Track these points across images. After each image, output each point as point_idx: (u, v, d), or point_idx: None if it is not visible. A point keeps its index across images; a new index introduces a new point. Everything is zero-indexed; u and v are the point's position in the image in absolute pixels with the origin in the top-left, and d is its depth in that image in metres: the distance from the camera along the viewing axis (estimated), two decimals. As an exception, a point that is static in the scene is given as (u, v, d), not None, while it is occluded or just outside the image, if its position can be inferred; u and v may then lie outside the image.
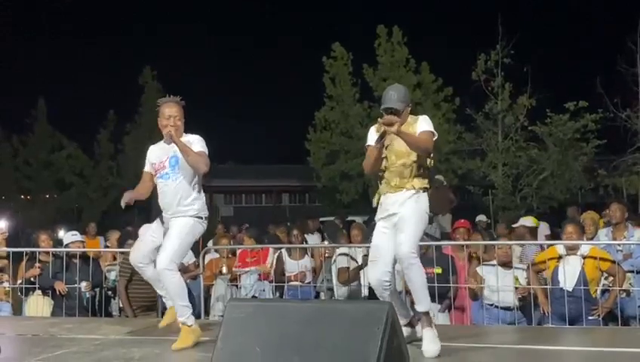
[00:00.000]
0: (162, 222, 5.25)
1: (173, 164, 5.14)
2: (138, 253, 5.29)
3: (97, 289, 7.44)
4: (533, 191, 21.40)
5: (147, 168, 5.41)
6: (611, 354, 4.55)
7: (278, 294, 7.93)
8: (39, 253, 7.45)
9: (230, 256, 8.53)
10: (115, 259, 8.13)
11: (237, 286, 8.22)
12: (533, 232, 8.57)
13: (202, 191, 5.28)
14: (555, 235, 9.00)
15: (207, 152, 5.19)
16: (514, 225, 8.89)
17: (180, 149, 5.05)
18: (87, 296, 7.19)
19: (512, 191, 21.66)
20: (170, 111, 5.16)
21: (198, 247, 7.26)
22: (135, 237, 7.43)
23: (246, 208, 38.92)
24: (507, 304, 6.55)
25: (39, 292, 7.34)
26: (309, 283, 8.04)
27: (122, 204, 5.25)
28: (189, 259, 7.60)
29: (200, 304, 7.40)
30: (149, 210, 5.65)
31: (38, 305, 7.33)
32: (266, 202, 40.35)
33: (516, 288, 6.54)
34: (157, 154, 5.30)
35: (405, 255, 4.47)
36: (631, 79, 20.31)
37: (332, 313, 3.03)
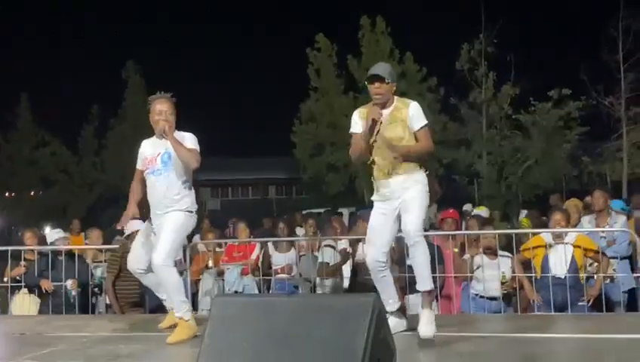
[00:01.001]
0: (151, 223, 5.24)
1: (165, 160, 5.14)
2: (135, 259, 5.31)
3: (84, 287, 7.40)
4: (518, 180, 21.55)
5: (139, 165, 5.37)
6: (598, 341, 4.59)
7: (265, 287, 7.95)
8: (25, 251, 7.40)
9: (217, 249, 8.53)
10: (98, 255, 8.08)
11: (224, 280, 8.22)
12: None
13: (192, 187, 5.29)
14: (541, 223, 9.04)
15: (198, 149, 5.20)
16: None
17: (172, 145, 5.05)
18: (74, 293, 7.16)
19: (497, 179, 21.80)
20: (161, 107, 5.17)
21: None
22: (121, 233, 7.41)
23: (233, 201, 38.90)
24: (493, 294, 6.59)
25: (25, 290, 7.29)
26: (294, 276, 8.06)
27: (122, 226, 5.35)
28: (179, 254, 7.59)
29: (188, 298, 7.39)
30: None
31: (24, 303, 7.28)
32: (252, 195, 40.32)
33: (503, 283, 6.57)
34: (149, 149, 5.28)
35: (413, 233, 4.54)
36: (614, 66, 20.45)
37: (319, 307, 3.04)
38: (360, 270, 6.91)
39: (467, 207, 13.11)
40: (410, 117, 4.67)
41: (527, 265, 6.45)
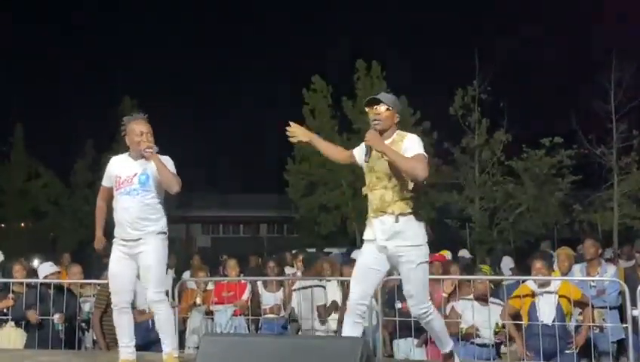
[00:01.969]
0: (122, 246, 5.10)
1: (143, 181, 5.09)
2: (119, 291, 5.19)
3: (71, 321, 7.33)
4: (509, 226, 21.57)
5: (107, 183, 5.30)
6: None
7: (253, 327, 7.87)
8: (12, 283, 7.35)
9: (206, 289, 8.45)
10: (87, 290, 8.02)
11: (212, 319, 8.14)
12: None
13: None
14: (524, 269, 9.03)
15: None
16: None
17: (157, 167, 5.02)
18: (61, 327, 7.09)
19: (489, 225, 21.82)
20: (141, 128, 5.15)
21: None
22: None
23: (224, 239, 38.72)
24: (483, 341, 6.55)
25: (12, 323, 7.22)
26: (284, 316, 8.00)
27: (98, 247, 5.25)
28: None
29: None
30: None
31: (10, 336, 7.20)
32: (244, 233, 40.18)
33: (496, 332, 6.54)
34: (123, 168, 5.20)
35: (419, 313, 4.47)
36: (605, 116, 20.66)
37: (307, 348, 3.03)
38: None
39: (463, 253, 13.07)
40: (404, 149, 4.42)
41: (515, 316, 6.43)
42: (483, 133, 21.72)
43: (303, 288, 7.54)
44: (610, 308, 6.73)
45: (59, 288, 7.29)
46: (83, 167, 30.21)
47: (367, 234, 4.62)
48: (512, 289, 6.85)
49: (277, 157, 26.93)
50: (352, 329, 4.49)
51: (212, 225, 40.41)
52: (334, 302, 7.47)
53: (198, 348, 3.31)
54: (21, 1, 54.02)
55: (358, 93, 24.86)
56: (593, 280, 6.97)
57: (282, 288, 8.08)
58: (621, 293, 6.69)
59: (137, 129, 5.15)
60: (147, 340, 6.43)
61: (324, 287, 7.59)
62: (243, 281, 8.14)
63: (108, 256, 5.28)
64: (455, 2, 48.49)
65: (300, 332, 7.56)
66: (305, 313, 7.42)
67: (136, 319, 6.08)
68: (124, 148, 5.44)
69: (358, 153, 4.75)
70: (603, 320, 6.61)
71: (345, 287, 7.36)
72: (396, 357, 6.86)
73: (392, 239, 4.43)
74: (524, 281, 6.61)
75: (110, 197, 5.24)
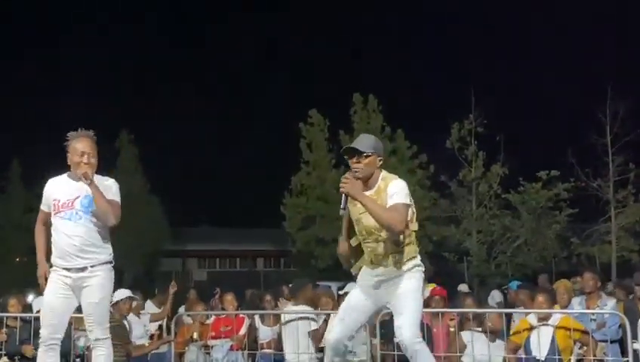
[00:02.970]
0: (64, 277, 4.72)
1: (86, 205, 4.70)
2: (53, 326, 4.75)
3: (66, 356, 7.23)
4: (507, 259, 21.51)
5: (46, 208, 4.91)
6: None
7: (250, 361, 7.79)
8: (6, 318, 7.27)
9: (203, 323, 8.38)
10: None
11: (209, 353, 8.05)
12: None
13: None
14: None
15: (119, 202, 4.81)
16: None
17: (93, 193, 4.62)
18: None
19: (486, 258, 21.76)
20: (83, 147, 4.73)
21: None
22: None
23: (220, 273, 38.47)
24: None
25: (6, 358, 7.13)
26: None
27: (42, 275, 4.84)
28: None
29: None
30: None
31: (3, 371, 7.12)
32: (240, 267, 39.96)
33: None
34: (62, 190, 4.81)
35: (409, 341, 4.07)
36: (601, 149, 20.73)
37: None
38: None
39: (462, 287, 13.05)
40: (388, 197, 4.17)
41: (516, 351, 6.37)
42: (480, 166, 21.76)
43: (288, 322, 7.36)
44: (611, 342, 6.66)
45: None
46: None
47: (359, 279, 4.49)
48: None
49: (274, 190, 26.92)
50: None
51: (208, 260, 40.18)
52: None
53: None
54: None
55: (354, 127, 24.94)
56: (593, 313, 6.92)
57: (279, 322, 7.99)
58: (621, 326, 6.64)
59: (79, 148, 4.71)
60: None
61: (310, 319, 7.38)
62: (241, 315, 8.07)
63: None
64: (452, 35, 49.02)
65: None
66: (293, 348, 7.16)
67: (132, 354, 6.01)
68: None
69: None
70: (604, 353, 6.54)
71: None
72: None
73: (384, 284, 4.32)
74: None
75: (48, 223, 4.88)
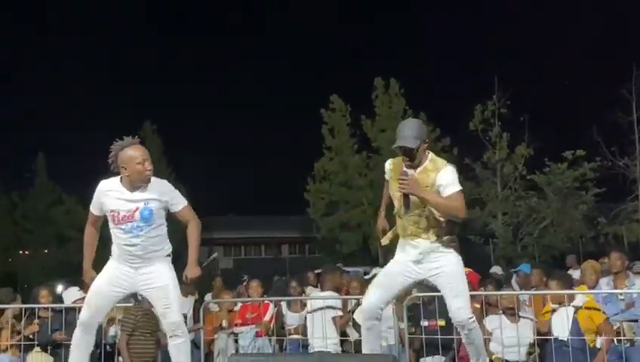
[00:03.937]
0: (124, 264, 4.76)
1: (146, 216, 4.63)
2: (97, 310, 4.78)
3: (97, 346, 7.33)
4: (533, 241, 21.38)
5: (98, 212, 4.81)
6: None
7: (278, 347, 7.82)
8: (38, 308, 7.38)
9: (230, 310, 8.44)
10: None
11: (237, 340, 8.12)
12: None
13: None
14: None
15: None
16: None
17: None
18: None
19: (512, 240, 21.64)
20: (141, 154, 4.62)
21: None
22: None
23: (246, 260, 38.72)
24: (512, 357, 6.43)
25: (38, 348, 7.24)
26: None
27: (89, 282, 4.84)
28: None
29: (201, 359, 7.31)
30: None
31: (37, 361, 7.23)
32: (265, 254, 40.18)
33: (530, 353, 6.42)
34: (118, 201, 4.67)
35: (465, 321, 4.42)
36: (627, 127, 20.48)
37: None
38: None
39: (495, 269, 12.85)
40: (437, 185, 4.35)
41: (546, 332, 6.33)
42: (504, 148, 21.62)
43: (314, 310, 7.37)
44: (641, 321, 6.59)
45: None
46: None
47: (399, 250, 4.60)
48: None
49: (297, 177, 26.97)
50: (369, 333, 4.58)
51: (234, 247, 40.44)
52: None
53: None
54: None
55: (376, 112, 24.87)
56: (621, 293, 6.85)
57: (305, 308, 8.03)
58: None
59: (138, 155, 4.60)
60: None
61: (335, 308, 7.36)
62: (266, 302, 8.11)
63: None
64: (474, 17, 48.58)
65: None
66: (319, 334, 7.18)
67: (163, 342, 6.07)
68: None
69: (388, 175, 4.62)
70: (634, 333, 6.48)
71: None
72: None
73: (426, 258, 4.47)
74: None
75: (100, 225, 4.85)
